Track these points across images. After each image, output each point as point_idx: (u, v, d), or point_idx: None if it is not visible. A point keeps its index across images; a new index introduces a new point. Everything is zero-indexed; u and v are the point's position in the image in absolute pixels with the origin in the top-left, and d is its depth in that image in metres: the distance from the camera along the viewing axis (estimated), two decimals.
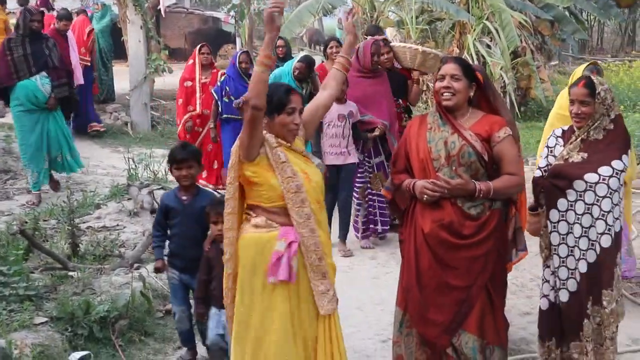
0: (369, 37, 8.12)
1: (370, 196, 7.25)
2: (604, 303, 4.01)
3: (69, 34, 11.00)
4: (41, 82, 8.01)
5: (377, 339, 5.18)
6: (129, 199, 7.78)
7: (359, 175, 7.20)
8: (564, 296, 4.16)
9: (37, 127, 8.10)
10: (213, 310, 4.34)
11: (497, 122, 3.92)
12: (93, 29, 12.51)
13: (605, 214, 3.99)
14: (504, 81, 12.47)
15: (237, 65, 8.28)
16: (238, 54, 8.56)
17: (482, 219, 3.85)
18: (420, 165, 3.95)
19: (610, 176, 3.97)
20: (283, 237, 3.61)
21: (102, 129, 12.43)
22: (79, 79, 11.04)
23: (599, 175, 3.97)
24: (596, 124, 4.10)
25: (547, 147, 4.30)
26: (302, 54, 9.53)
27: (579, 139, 4.13)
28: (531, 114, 14.22)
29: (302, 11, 14.47)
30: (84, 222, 7.05)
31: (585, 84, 4.11)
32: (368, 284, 6.24)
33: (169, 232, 4.67)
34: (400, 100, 7.48)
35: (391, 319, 4.24)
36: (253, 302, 3.66)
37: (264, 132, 3.65)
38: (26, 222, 6.59)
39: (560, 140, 4.27)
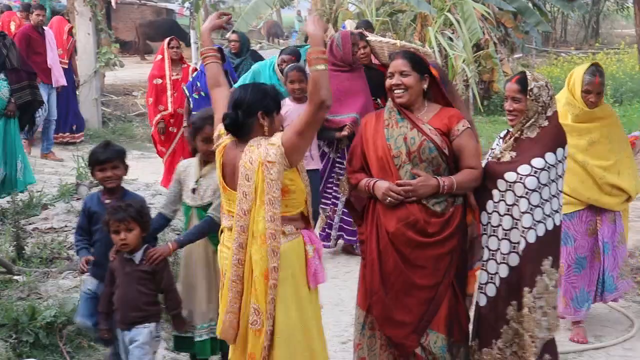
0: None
1: (335, 200, 6.81)
2: (523, 302, 3.86)
3: (47, 30, 10.60)
4: None
5: (336, 341, 5.16)
6: (78, 199, 7.63)
7: (328, 179, 6.81)
8: (482, 300, 4.04)
9: None
10: (120, 333, 4.09)
11: (455, 115, 3.96)
12: (72, 27, 12.05)
13: (519, 218, 3.86)
14: (467, 74, 12.58)
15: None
16: None
17: (446, 215, 3.87)
18: (379, 164, 3.95)
19: (528, 175, 3.84)
20: (308, 241, 3.66)
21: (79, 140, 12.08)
22: (58, 80, 10.70)
23: (517, 174, 3.86)
24: (530, 122, 3.99)
25: (491, 149, 4.23)
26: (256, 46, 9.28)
27: (512, 138, 4.04)
28: (494, 108, 14.36)
29: (258, 3, 14.31)
30: (30, 224, 6.91)
31: (518, 80, 4.04)
32: (327, 284, 6.15)
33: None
34: (379, 100, 6.84)
35: (350, 320, 4.23)
36: (299, 313, 3.63)
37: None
38: None
39: (501, 141, 4.20)
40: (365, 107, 6.60)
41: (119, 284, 4.04)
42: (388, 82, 3.94)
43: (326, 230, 6.95)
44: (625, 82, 15.00)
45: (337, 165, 6.74)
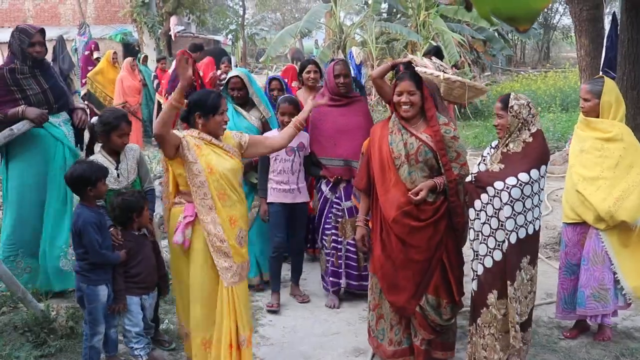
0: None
1: (335, 244, 4.97)
2: (508, 293, 3.54)
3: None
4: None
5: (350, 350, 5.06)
6: None
7: (326, 220, 5.01)
8: (474, 285, 3.71)
9: None
10: (139, 300, 3.84)
11: (445, 124, 3.83)
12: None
13: (504, 221, 3.49)
14: None
15: (269, 92, 5.71)
16: (269, 80, 5.96)
17: (436, 203, 3.74)
18: (380, 164, 3.83)
19: (514, 186, 3.45)
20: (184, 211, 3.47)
21: None
22: None
23: (505, 183, 3.48)
24: (513, 136, 3.60)
25: (482, 156, 3.89)
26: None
27: (499, 151, 3.66)
28: (468, 115, 14.23)
29: (284, 34, 14.41)
30: None
31: (501, 99, 3.72)
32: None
33: None
34: None
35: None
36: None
37: (185, 134, 3.45)
38: None
39: (492, 150, 3.83)
40: (361, 148, 4.52)
41: (143, 256, 3.77)
42: (396, 98, 3.80)
43: (330, 278, 5.03)
44: (570, 94, 14.89)
45: (334, 206, 4.95)
